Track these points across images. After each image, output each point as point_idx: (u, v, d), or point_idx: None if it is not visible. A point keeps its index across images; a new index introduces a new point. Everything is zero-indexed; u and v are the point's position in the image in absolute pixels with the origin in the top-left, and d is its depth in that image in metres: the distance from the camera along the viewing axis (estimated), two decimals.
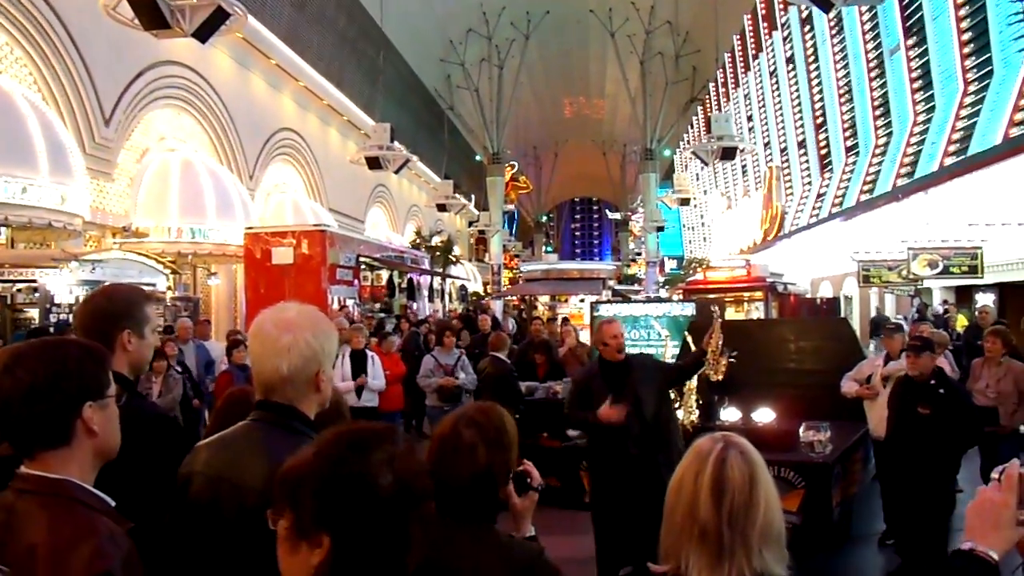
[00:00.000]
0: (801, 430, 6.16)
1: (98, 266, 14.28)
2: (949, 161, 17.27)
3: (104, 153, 16.90)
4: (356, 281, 19.97)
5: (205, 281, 20.63)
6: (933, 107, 19.44)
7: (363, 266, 20.82)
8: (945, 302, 23.27)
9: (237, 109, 22.58)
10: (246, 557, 1.87)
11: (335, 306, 17.45)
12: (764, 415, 6.86)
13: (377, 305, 21.13)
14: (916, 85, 20.27)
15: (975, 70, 17.43)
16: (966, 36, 17.73)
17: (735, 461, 1.87)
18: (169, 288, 16.72)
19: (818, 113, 27.40)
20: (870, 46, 22.79)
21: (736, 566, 1.81)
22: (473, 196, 45.51)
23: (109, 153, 17.11)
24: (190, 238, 18.35)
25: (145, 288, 3.05)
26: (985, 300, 21.89)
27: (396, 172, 24.76)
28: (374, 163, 22.11)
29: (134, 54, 17.59)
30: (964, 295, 24.50)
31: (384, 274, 23.69)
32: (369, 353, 9.80)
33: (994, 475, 1.51)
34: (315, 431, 2.08)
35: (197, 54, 19.50)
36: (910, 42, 20.20)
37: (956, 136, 17.51)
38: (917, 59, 20.02)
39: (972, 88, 17.49)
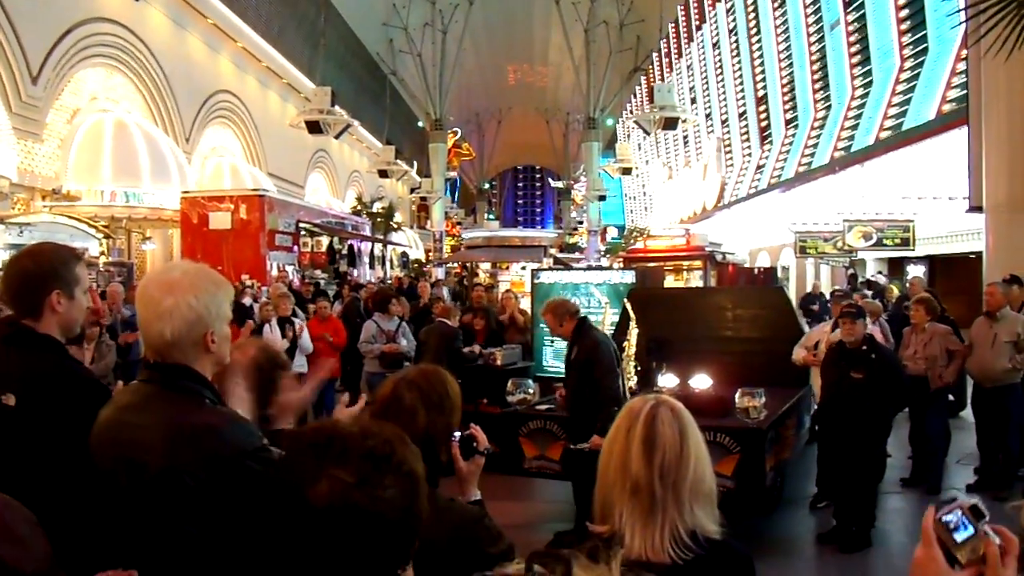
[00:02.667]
0: (737, 396, 6.26)
1: (26, 229, 13.86)
2: (885, 135, 17.63)
3: (32, 112, 16.34)
4: (296, 247, 19.76)
5: (139, 246, 20.18)
6: (871, 82, 19.78)
7: (303, 232, 20.58)
8: (879, 272, 23.85)
9: (173, 70, 22.00)
10: (145, 516, 1.87)
11: (274, 272, 17.24)
12: (701, 381, 6.95)
13: (318, 271, 20.91)
14: (855, 60, 20.60)
15: (911, 47, 17.76)
16: (903, 13, 18.04)
17: (666, 417, 1.92)
18: (102, 253, 16.31)
19: (759, 85, 27.69)
20: (811, 20, 23.05)
21: (668, 520, 1.86)
22: (415, 162, 45.11)
23: (37, 112, 16.55)
24: (124, 202, 17.93)
25: (76, 249, 2.94)
26: (916, 272, 22.49)
27: (337, 137, 24.46)
28: (314, 127, 21.81)
29: (62, 9, 16.99)
30: (896, 267, 25.15)
31: (324, 240, 23.44)
32: (295, 320, 9.75)
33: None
34: (210, 388, 2.06)
35: (131, 11, 18.94)
36: (850, 17, 20.48)
37: (892, 111, 17.86)
38: (856, 34, 20.32)
39: (908, 64, 17.83)
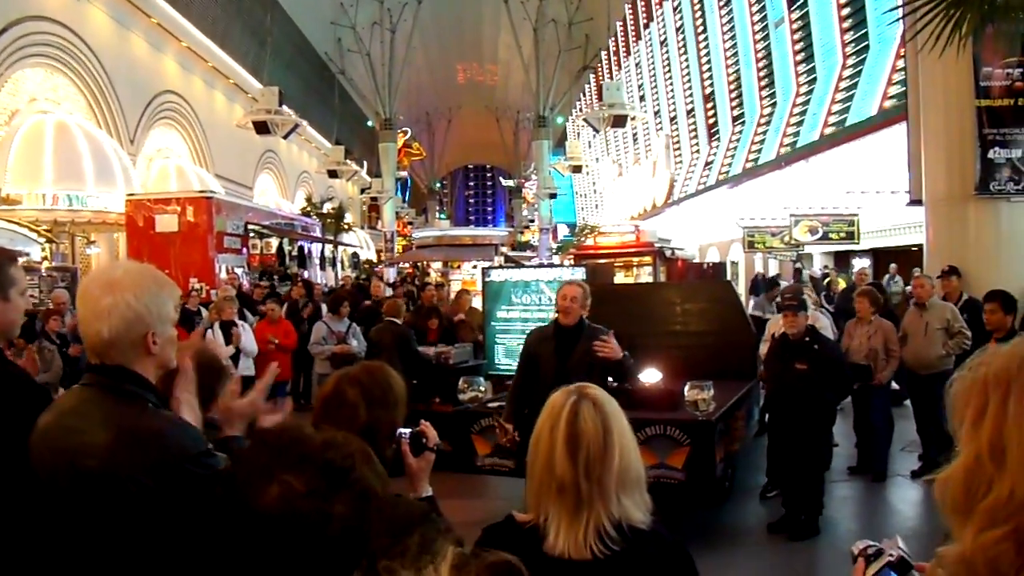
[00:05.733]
0: (686, 389, 6.32)
1: None
2: (829, 131, 17.93)
3: None
4: (245, 249, 19.55)
5: (84, 250, 19.79)
6: (815, 79, 20.10)
7: (252, 234, 20.36)
8: (826, 267, 24.27)
9: (116, 70, 21.60)
10: (86, 523, 1.84)
11: (223, 275, 17.03)
12: (651, 375, 7.01)
13: (268, 273, 20.69)
14: (799, 58, 20.91)
15: (853, 44, 18.09)
16: (845, 11, 18.37)
17: (587, 413, 1.92)
18: (45, 258, 15.98)
19: (706, 83, 27.97)
20: (756, 18, 23.35)
21: (594, 515, 1.87)
22: (365, 163, 44.82)
23: None
24: (67, 205, 17.57)
25: (10, 251, 2.89)
26: (861, 264, 22.95)
27: (285, 137, 24.21)
28: (262, 128, 21.55)
29: None
30: (842, 260, 25.65)
31: (274, 242, 23.22)
32: (239, 322, 9.64)
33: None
34: (153, 392, 2.02)
35: (71, 10, 18.58)
36: (794, 15, 20.79)
37: (835, 107, 18.18)
38: (800, 32, 20.63)
39: (850, 62, 18.15)
